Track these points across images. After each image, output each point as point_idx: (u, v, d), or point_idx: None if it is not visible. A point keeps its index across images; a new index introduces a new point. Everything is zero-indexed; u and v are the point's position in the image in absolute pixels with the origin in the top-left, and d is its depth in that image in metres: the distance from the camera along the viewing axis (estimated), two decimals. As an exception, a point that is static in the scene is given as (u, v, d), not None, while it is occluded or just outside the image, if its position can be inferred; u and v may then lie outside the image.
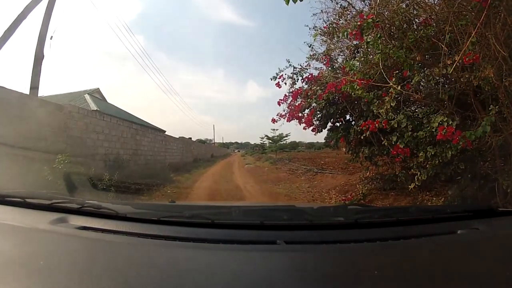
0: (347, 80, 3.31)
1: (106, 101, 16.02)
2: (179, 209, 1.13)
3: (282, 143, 22.06)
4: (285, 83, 4.68)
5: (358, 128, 3.91)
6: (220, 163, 19.55)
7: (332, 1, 4.36)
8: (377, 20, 2.60)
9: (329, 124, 4.88)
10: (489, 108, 2.52)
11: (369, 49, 3.24)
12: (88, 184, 4.24)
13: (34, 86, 6.33)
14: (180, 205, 1.48)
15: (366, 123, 3.61)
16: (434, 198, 3.86)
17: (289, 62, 4.68)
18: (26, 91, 6.05)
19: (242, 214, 1.01)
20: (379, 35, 2.72)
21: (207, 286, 0.57)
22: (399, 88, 2.90)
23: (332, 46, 4.69)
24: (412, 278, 0.62)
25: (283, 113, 4.87)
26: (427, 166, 3.26)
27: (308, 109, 4.66)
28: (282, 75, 4.60)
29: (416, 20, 3.27)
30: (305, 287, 0.58)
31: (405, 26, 3.11)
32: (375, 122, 3.49)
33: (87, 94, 13.08)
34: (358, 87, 3.12)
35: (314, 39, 4.81)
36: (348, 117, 4.74)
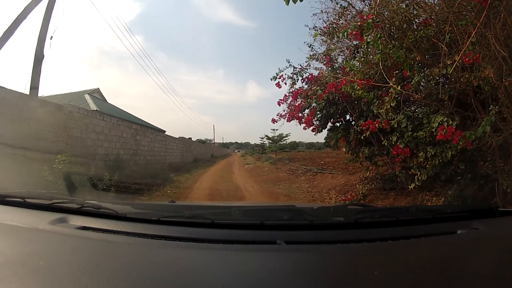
0: (347, 80, 3.30)
1: (106, 101, 16.04)
2: (179, 209, 1.12)
3: (282, 143, 22.06)
4: (285, 83, 4.67)
5: (358, 128, 3.92)
6: (220, 163, 19.56)
7: (332, 1, 4.35)
8: (377, 20, 2.60)
9: (329, 124, 4.88)
10: (489, 108, 2.52)
11: (369, 49, 3.24)
12: (88, 184, 4.24)
13: (34, 86, 6.33)
14: (180, 205, 1.48)
15: (366, 123, 3.61)
16: (434, 198, 3.86)
17: (289, 62, 4.67)
18: (26, 91, 6.06)
19: (242, 214, 1.00)
20: (379, 35, 2.72)
21: (207, 286, 0.57)
22: (399, 88, 2.90)
23: (332, 46, 4.67)
24: (412, 278, 0.62)
25: (283, 113, 4.88)
26: (427, 166, 3.26)
27: (308, 109, 4.66)
28: (282, 75, 4.59)
29: (416, 20, 3.26)
30: (305, 287, 0.58)
31: (405, 26, 3.11)
32: (375, 122, 3.49)
33: (87, 94, 13.09)
34: (358, 87, 3.12)
35: (314, 39, 4.80)
36: (348, 117, 4.75)
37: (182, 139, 15.24)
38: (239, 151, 62.22)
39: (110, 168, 5.84)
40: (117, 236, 0.83)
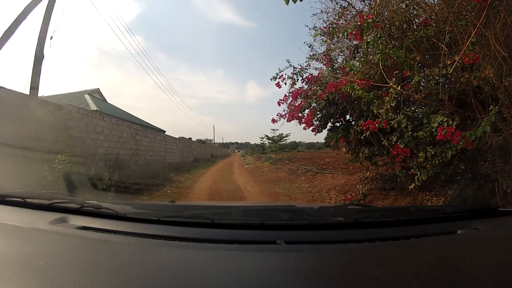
0: (347, 80, 3.31)
1: (106, 101, 16.04)
2: (179, 209, 1.12)
3: (282, 143, 22.07)
4: (285, 83, 4.68)
5: (358, 128, 3.92)
6: (220, 163, 19.56)
7: (332, 1, 4.34)
8: (377, 20, 2.60)
9: (329, 124, 4.89)
10: (489, 108, 2.52)
11: (369, 49, 3.24)
12: (88, 184, 4.24)
13: (34, 86, 6.33)
14: (180, 205, 1.48)
15: (366, 123, 3.61)
16: (434, 198, 3.87)
17: (289, 62, 4.67)
18: (26, 91, 6.06)
19: (242, 214, 1.00)
20: (379, 35, 2.72)
21: (207, 286, 0.57)
22: (399, 88, 2.91)
23: (332, 46, 4.67)
24: (412, 278, 0.62)
25: (283, 113, 4.89)
26: (427, 166, 3.26)
27: (308, 109, 4.67)
28: (282, 75, 4.60)
29: (416, 20, 3.26)
30: (305, 287, 0.58)
31: (405, 26, 3.11)
32: (375, 122, 3.49)
33: (87, 94, 13.10)
34: (358, 87, 3.12)
35: (314, 39, 4.80)
36: (348, 117, 4.75)
37: (182, 139, 15.24)
38: (239, 151, 62.19)
39: (110, 168, 5.83)
40: (117, 236, 0.83)
